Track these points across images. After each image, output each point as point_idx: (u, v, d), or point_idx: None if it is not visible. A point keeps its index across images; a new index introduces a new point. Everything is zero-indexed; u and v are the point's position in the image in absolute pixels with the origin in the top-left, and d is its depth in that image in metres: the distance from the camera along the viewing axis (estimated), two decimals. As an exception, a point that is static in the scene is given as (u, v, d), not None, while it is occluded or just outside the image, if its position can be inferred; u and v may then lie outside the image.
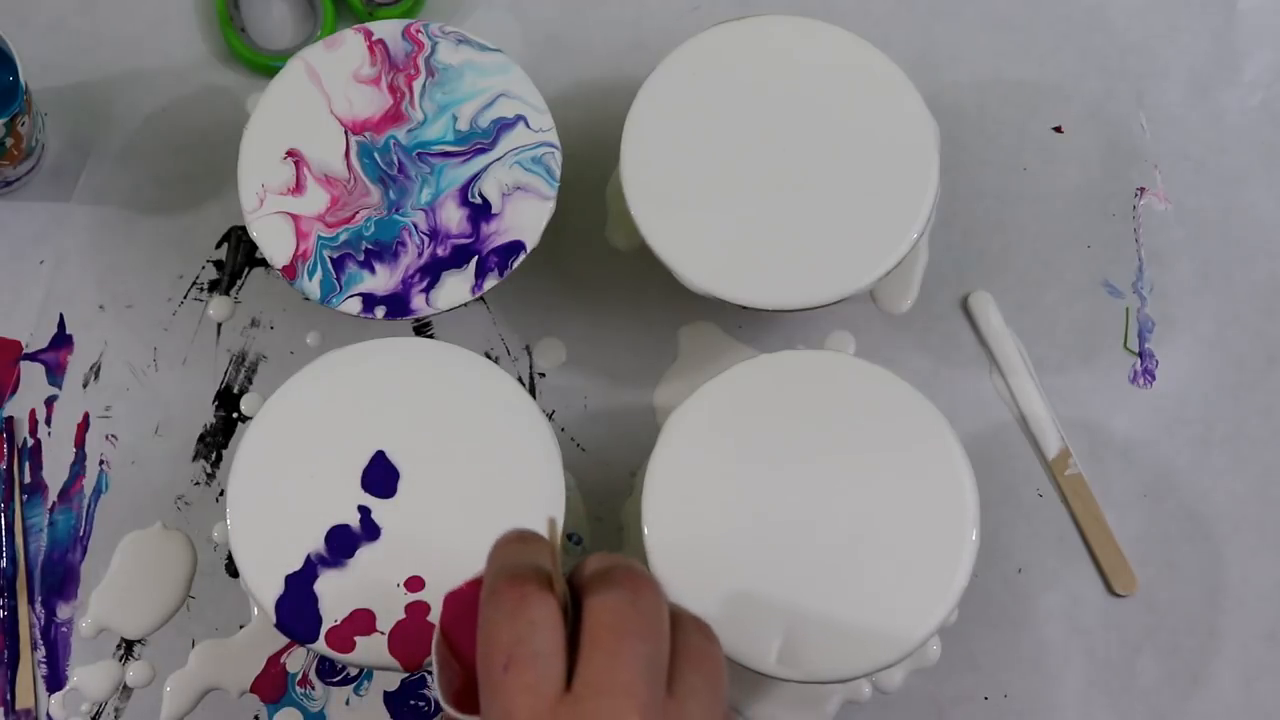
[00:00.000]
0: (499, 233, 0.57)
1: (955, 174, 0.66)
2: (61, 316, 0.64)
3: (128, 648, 0.61)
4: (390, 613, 0.53)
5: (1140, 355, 0.64)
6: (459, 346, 0.56)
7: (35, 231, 0.65)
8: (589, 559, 0.41)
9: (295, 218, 0.58)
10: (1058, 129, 0.67)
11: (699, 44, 0.59)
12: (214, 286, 0.65)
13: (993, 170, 0.66)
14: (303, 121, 0.59)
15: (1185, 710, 0.61)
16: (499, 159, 0.58)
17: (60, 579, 0.62)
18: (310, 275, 0.57)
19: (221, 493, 0.63)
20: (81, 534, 0.62)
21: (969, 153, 0.66)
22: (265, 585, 0.53)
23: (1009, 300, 0.64)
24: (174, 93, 0.67)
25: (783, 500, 0.54)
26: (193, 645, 0.61)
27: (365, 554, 0.53)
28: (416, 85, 0.59)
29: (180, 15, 0.68)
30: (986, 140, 0.66)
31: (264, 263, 0.65)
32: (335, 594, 0.53)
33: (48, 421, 0.63)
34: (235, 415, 0.63)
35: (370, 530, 0.53)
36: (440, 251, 0.57)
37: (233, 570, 0.62)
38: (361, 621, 0.53)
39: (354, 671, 0.61)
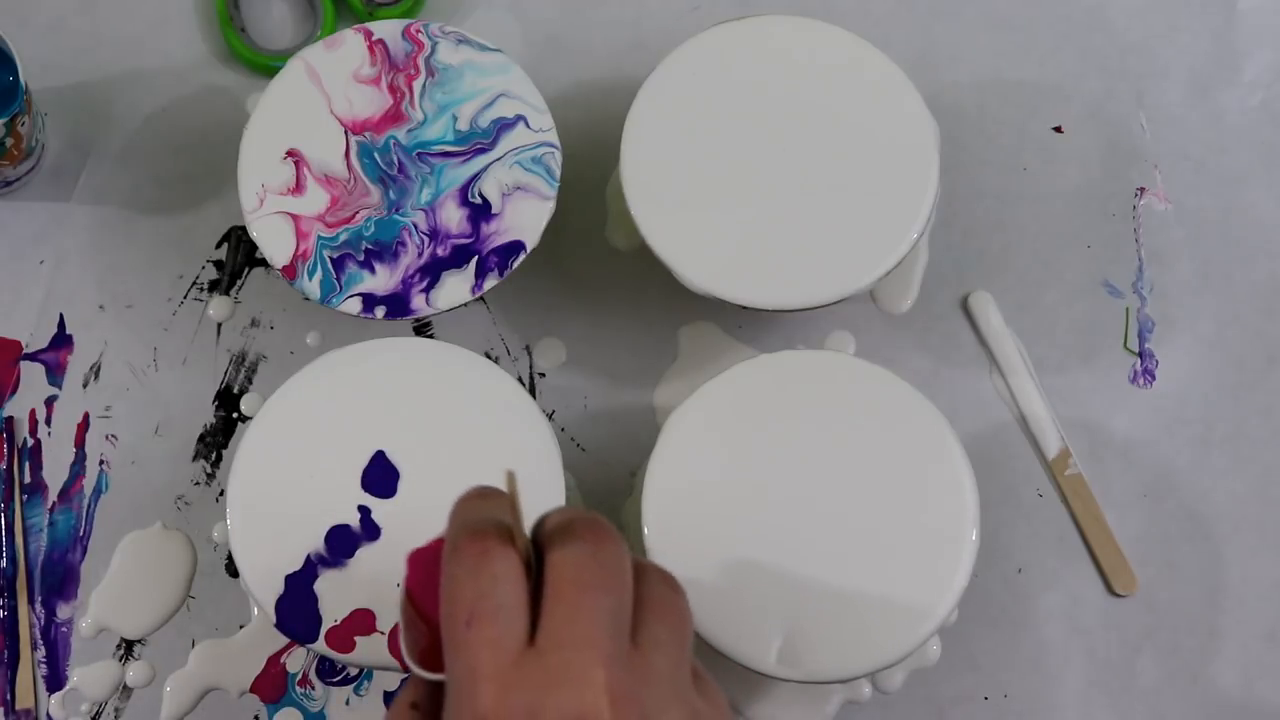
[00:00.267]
0: (499, 233, 0.57)
1: (955, 174, 0.66)
2: (61, 316, 0.64)
3: (128, 648, 0.61)
4: (390, 613, 0.53)
5: (1140, 355, 0.64)
6: (459, 346, 0.56)
7: (35, 231, 0.65)
8: (551, 513, 0.41)
9: (295, 218, 0.58)
10: (1058, 129, 0.67)
11: (699, 44, 0.59)
12: (214, 286, 0.65)
13: (993, 170, 0.66)
14: (303, 121, 0.59)
15: (1185, 710, 0.61)
16: (499, 159, 0.58)
17: (60, 579, 0.62)
18: (310, 275, 0.57)
19: (221, 493, 0.63)
20: (81, 534, 0.62)
21: (969, 153, 0.66)
22: (265, 585, 0.53)
23: (1009, 300, 0.64)
24: (174, 93, 0.67)
25: (782, 500, 0.54)
26: (193, 645, 0.61)
27: (365, 554, 0.53)
28: (416, 85, 0.59)
29: (180, 15, 0.68)
30: (986, 140, 0.66)
31: (264, 263, 0.65)
32: (335, 594, 0.53)
33: (48, 421, 0.63)
34: (235, 415, 0.63)
35: (370, 530, 0.53)
36: (440, 251, 0.57)
37: (233, 570, 0.62)
38: (361, 621, 0.53)
39: (354, 671, 0.61)
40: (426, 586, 0.41)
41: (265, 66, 0.66)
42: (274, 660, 0.61)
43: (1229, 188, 0.66)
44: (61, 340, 0.64)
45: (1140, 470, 0.63)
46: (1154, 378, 0.64)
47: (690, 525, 0.54)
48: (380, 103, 0.59)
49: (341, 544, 0.53)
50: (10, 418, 0.63)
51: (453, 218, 0.58)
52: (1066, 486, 0.63)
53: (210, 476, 0.63)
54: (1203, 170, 0.66)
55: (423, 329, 0.64)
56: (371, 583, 0.53)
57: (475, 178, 0.58)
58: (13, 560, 0.61)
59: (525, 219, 0.57)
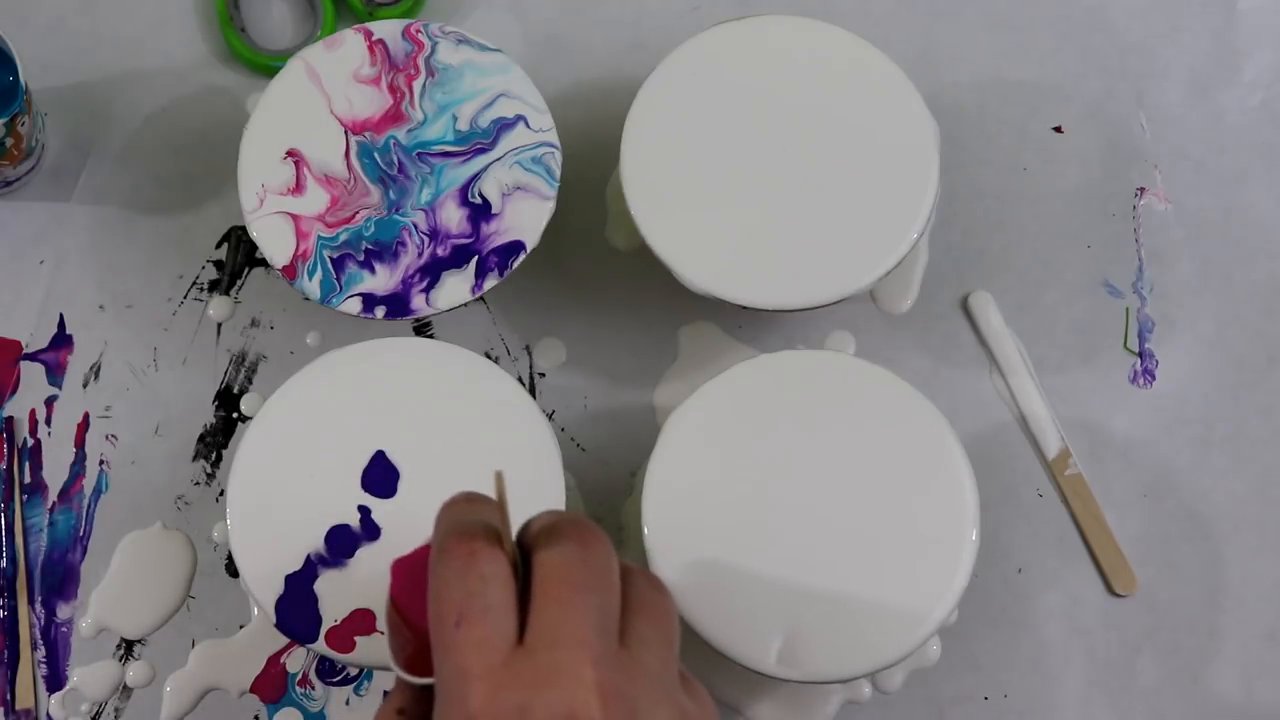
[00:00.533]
0: (499, 233, 0.57)
1: (955, 174, 0.66)
2: (61, 316, 0.64)
3: (128, 648, 0.61)
4: (390, 613, 0.53)
5: (1140, 355, 0.64)
6: (459, 346, 0.56)
7: (35, 231, 0.65)
8: (537, 517, 0.41)
9: (295, 218, 0.58)
10: (1058, 129, 0.67)
11: (699, 44, 0.59)
12: (214, 286, 0.65)
13: (993, 170, 0.66)
14: (303, 121, 0.59)
15: (1185, 710, 0.61)
16: (499, 159, 0.58)
17: (60, 579, 0.62)
18: (310, 275, 0.57)
19: (221, 493, 0.63)
20: (81, 534, 0.62)
21: (969, 153, 0.66)
22: (265, 585, 0.53)
23: (1009, 300, 0.64)
24: (174, 93, 0.67)
25: (782, 500, 0.54)
26: (193, 645, 0.61)
27: (365, 554, 0.53)
28: (416, 85, 0.59)
29: (180, 15, 0.68)
30: (986, 140, 0.66)
31: (264, 263, 0.65)
32: (335, 594, 0.53)
33: (48, 421, 0.63)
34: (235, 415, 0.63)
35: (370, 530, 0.53)
36: (440, 251, 0.57)
37: (233, 570, 0.62)
38: (362, 621, 0.53)
39: (354, 671, 0.61)
40: (412, 594, 0.41)
41: (265, 66, 0.66)
42: (274, 660, 0.61)
43: (1229, 188, 0.66)
44: (61, 340, 0.64)
45: (1140, 470, 0.63)
46: (1154, 378, 0.64)
47: (690, 525, 0.54)
48: (380, 103, 0.59)
49: (341, 544, 0.53)
50: (10, 418, 0.63)
51: (453, 218, 0.58)
52: (1066, 486, 0.63)
53: (210, 476, 0.63)
54: (1203, 170, 0.66)
55: (423, 329, 0.64)
56: (371, 583, 0.53)
57: (475, 178, 0.58)
58: (13, 560, 0.61)
59: (525, 219, 0.57)
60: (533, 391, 0.64)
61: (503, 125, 0.58)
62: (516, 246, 0.57)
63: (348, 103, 0.59)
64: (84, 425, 0.63)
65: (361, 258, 0.57)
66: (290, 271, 0.57)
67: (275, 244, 0.57)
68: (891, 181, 0.58)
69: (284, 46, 0.67)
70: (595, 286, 0.65)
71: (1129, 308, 0.65)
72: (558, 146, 0.58)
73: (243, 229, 0.65)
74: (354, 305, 0.57)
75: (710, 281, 0.57)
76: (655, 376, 0.64)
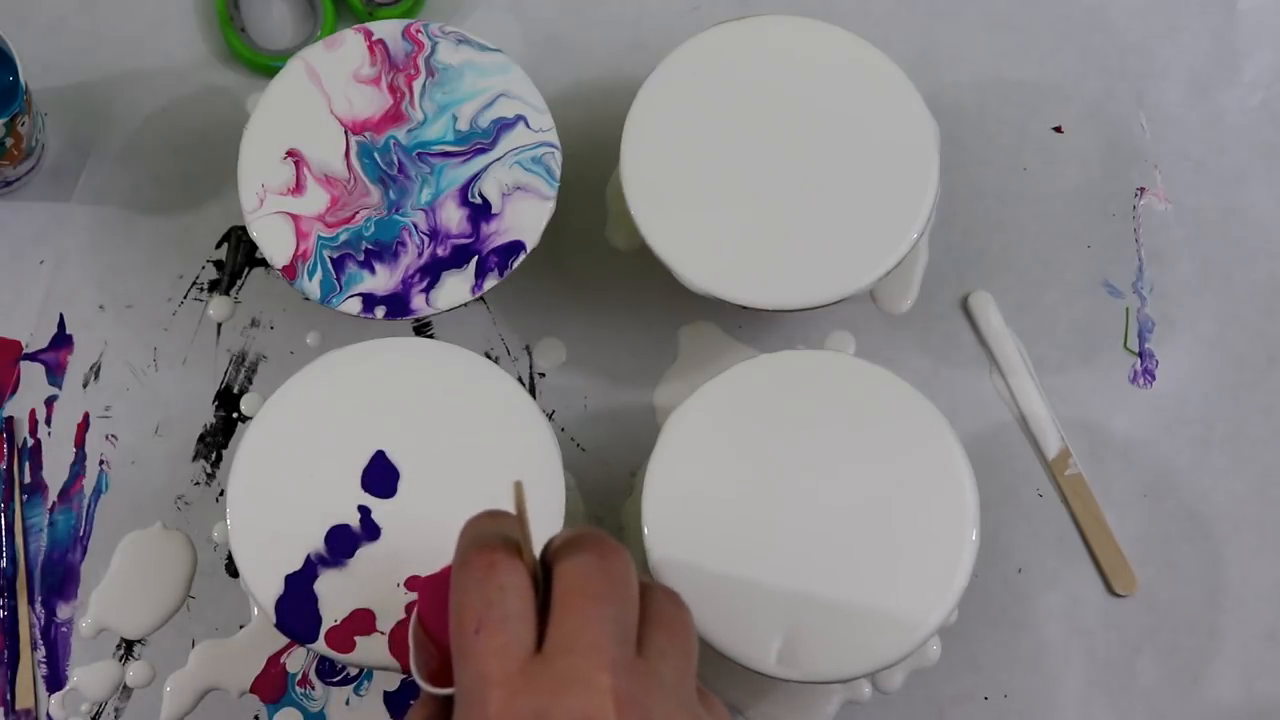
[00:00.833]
0: (499, 233, 0.57)
1: (955, 174, 0.66)
2: (61, 316, 0.64)
3: (128, 648, 0.61)
4: (390, 612, 0.53)
5: (1140, 355, 0.64)
6: (459, 346, 0.56)
7: (35, 231, 0.65)
8: (558, 534, 0.42)
9: (295, 218, 0.58)
10: (1058, 129, 0.67)
11: (699, 44, 0.59)
12: (214, 286, 0.65)
13: (993, 170, 0.66)
14: (303, 121, 0.59)
15: (1185, 710, 0.61)
16: (499, 159, 0.58)
17: (60, 579, 0.62)
18: (310, 275, 0.57)
19: (221, 493, 0.63)
20: (81, 534, 0.62)
21: (969, 153, 0.66)
22: (265, 585, 0.53)
23: (1009, 300, 0.64)
24: (174, 93, 0.67)
25: (782, 500, 0.54)
26: (193, 645, 0.61)
27: (365, 554, 0.53)
28: (416, 85, 0.59)
29: (180, 15, 0.68)
30: (986, 140, 0.66)
31: (264, 263, 0.65)
32: (335, 594, 0.53)
33: (48, 421, 0.63)
34: (235, 415, 0.63)
35: (370, 530, 0.53)
36: (440, 251, 0.57)
37: (233, 570, 0.62)
38: (362, 621, 0.53)
39: (354, 671, 0.61)
40: (438, 611, 0.42)
41: (265, 66, 0.66)
42: (274, 660, 0.61)
43: (1229, 188, 0.66)
44: (61, 340, 0.64)
45: (1140, 470, 0.63)
46: (1154, 378, 0.64)
47: (690, 525, 0.54)
48: (380, 103, 0.59)
49: (341, 544, 0.53)
50: (10, 418, 0.63)
51: (453, 218, 0.58)
52: (1066, 486, 0.63)
53: (210, 476, 0.63)
54: (1203, 170, 0.66)
55: (423, 329, 0.64)
56: (372, 583, 0.53)
57: (475, 178, 0.58)
58: (13, 560, 0.61)
59: (525, 219, 0.57)
60: (533, 391, 0.64)
61: (503, 125, 0.58)
62: (516, 246, 0.57)
63: (348, 103, 0.59)
64: (84, 425, 0.63)
65: (361, 258, 0.57)
66: (290, 271, 0.57)
67: (275, 244, 0.57)
68: (891, 181, 0.58)
69: (284, 46, 0.67)
70: (595, 286, 0.65)
71: (1129, 308, 0.65)
72: (558, 146, 0.58)
73: (243, 229, 0.65)
74: (354, 305, 0.57)
75: (710, 281, 0.57)
76: (655, 376, 0.64)
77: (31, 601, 0.61)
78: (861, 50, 0.59)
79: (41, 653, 0.61)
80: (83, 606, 0.61)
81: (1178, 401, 0.64)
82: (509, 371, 0.57)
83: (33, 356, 0.64)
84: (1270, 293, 0.65)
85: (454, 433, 0.55)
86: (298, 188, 0.58)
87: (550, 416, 0.63)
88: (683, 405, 0.55)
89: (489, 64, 0.59)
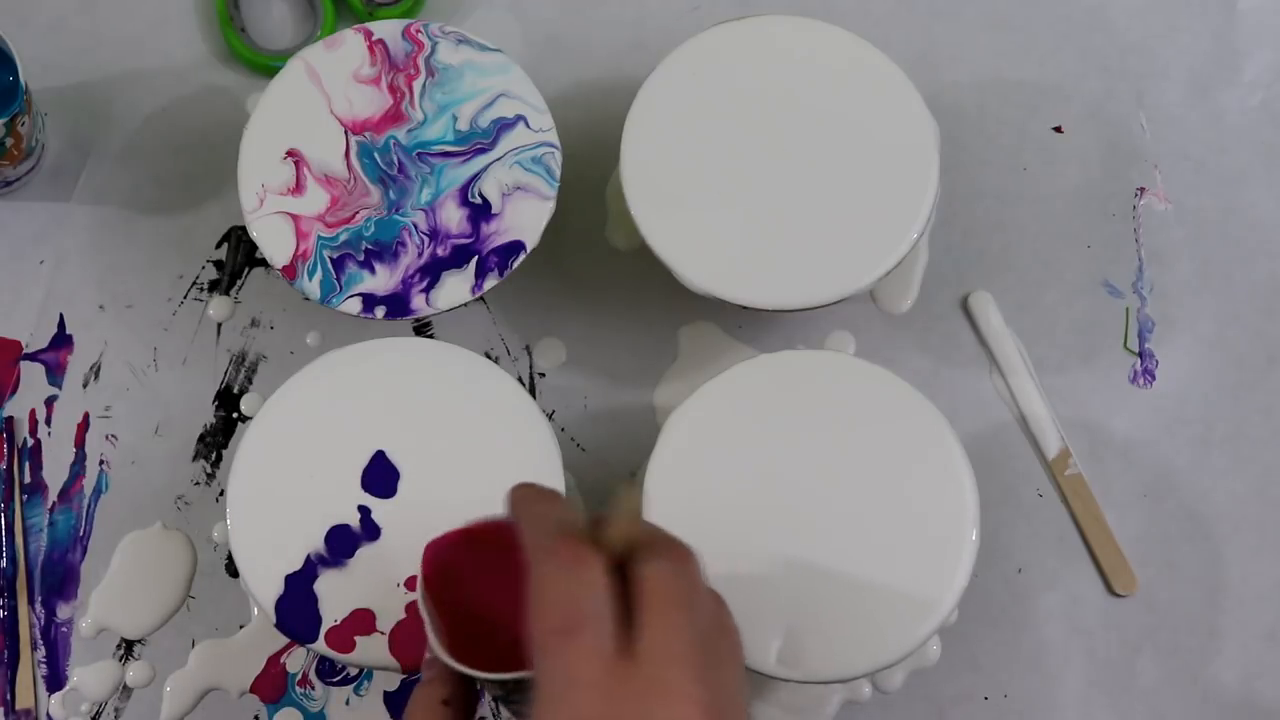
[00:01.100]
0: (499, 233, 0.57)
1: (955, 174, 0.66)
2: (61, 316, 0.64)
3: (128, 648, 0.61)
4: (390, 612, 0.53)
5: (1140, 355, 0.64)
6: (459, 346, 0.56)
7: (35, 231, 0.65)
8: (614, 524, 0.41)
9: (295, 218, 0.58)
10: (1058, 129, 0.67)
11: (699, 44, 0.59)
12: (214, 286, 0.65)
13: (993, 170, 0.66)
14: (303, 121, 0.59)
15: (1185, 710, 0.61)
16: (499, 159, 0.58)
17: (60, 579, 0.62)
18: (310, 275, 0.57)
19: (221, 493, 0.63)
20: (81, 534, 0.62)
21: (969, 153, 0.66)
22: (265, 585, 0.53)
23: (1009, 300, 0.64)
24: (174, 93, 0.67)
25: (782, 500, 0.54)
26: (193, 645, 0.61)
27: (365, 554, 0.53)
28: (416, 85, 0.59)
29: (180, 15, 0.68)
30: (986, 140, 0.66)
31: (264, 263, 0.65)
32: (335, 594, 0.53)
33: (48, 421, 0.63)
34: (235, 415, 0.63)
35: (370, 530, 0.53)
36: (440, 251, 0.57)
37: (233, 570, 0.62)
38: (362, 621, 0.53)
39: (354, 671, 0.61)
40: (446, 578, 0.42)
41: (265, 66, 0.66)
42: (274, 660, 0.61)
43: (1229, 188, 0.66)
44: (61, 340, 0.64)
45: (1140, 470, 0.63)
46: (1154, 378, 0.64)
47: (690, 525, 0.53)
48: (380, 103, 0.59)
49: (341, 544, 0.53)
50: (10, 418, 0.63)
51: (453, 218, 0.58)
52: (1066, 486, 0.63)
53: (210, 476, 0.63)
54: (1203, 170, 0.66)
55: (423, 329, 0.64)
56: (372, 582, 0.53)
57: (475, 178, 0.58)
58: (13, 560, 0.61)
59: (525, 219, 0.57)
60: (533, 391, 0.64)
61: (503, 125, 0.58)
62: (516, 246, 0.57)
63: (348, 103, 0.59)
64: (84, 425, 0.63)
65: (361, 258, 0.57)
66: (290, 271, 0.57)
67: (275, 244, 0.57)
68: (891, 181, 0.58)
69: (284, 46, 0.67)
70: (595, 286, 0.65)
71: (1129, 308, 0.65)
72: (558, 146, 0.58)
73: (243, 229, 0.65)
74: (354, 305, 0.57)
75: (710, 281, 0.57)
76: (655, 376, 0.64)
77: (31, 601, 0.61)
78: (861, 50, 0.59)
79: (41, 653, 0.61)
80: (83, 606, 0.61)
81: (1178, 401, 0.64)
82: (509, 371, 0.57)
83: (33, 356, 0.64)
84: (1270, 293, 0.65)
85: (454, 433, 0.55)
86: (298, 188, 0.58)
87: (550, 416, 0.63)
88: (683, 405, 0.55)
89: (489, 64, 0.59)
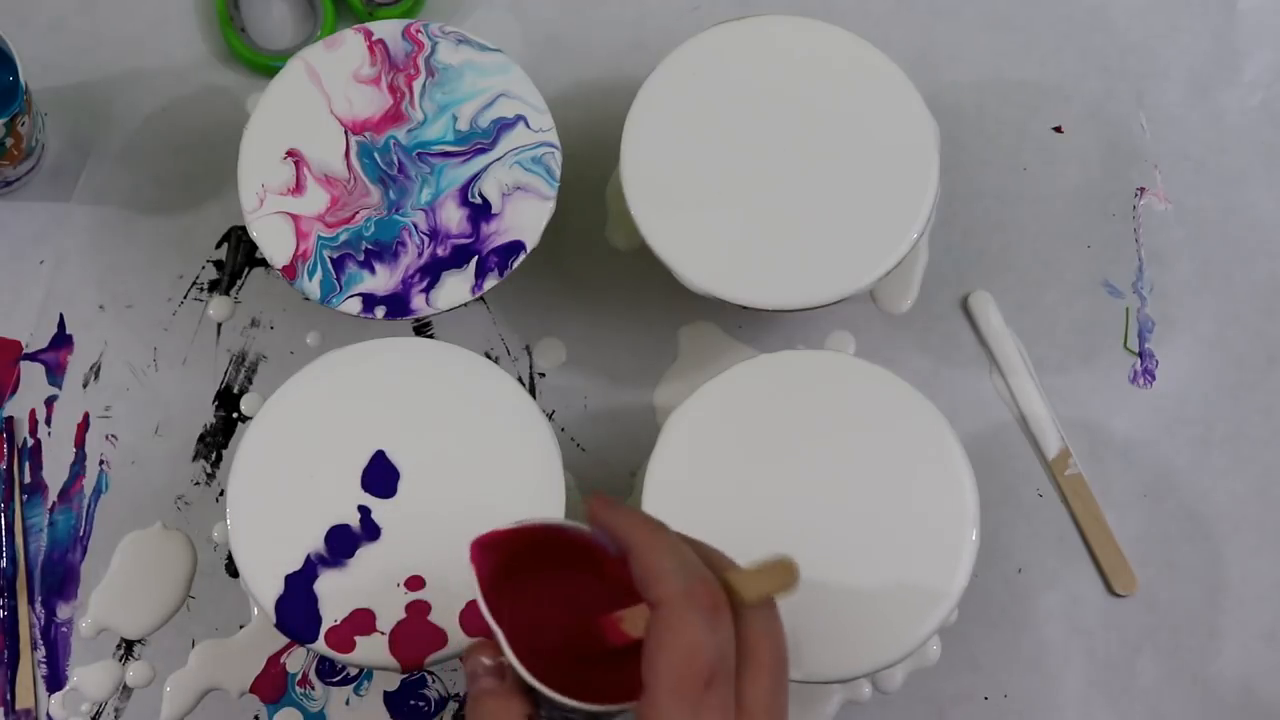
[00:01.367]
0: (499, 233, 0.57)
1: (955, 174, 0.66)
2: (61, 316, 0.64)
3: (128, 648, 0.61)
4: (391, 612, 0.53)
5: (1140, 355, 0.64)
6: (459, 346, 0.56)
7: (35, 231, 0.65)
8: (746, 576, 0.42)
9: (295, 218, 0.58)
10: (1058, 129, 0.67)
11: (699, 44, 0.59)
12: (214, 286, 0.65)
13: (993, 170, 0.66)
14: (303, 121, 0.59)
15: (1185, 710, 0.61)
16: (499, 159, 0.58)
17: (60, 579, 0.62)
18: (310, 275, 0.57)
19: (221, 493, 0.62)
20: (81, 534, 0.62)
21: (969, 153, 0.66)
22: (265, 585, 0.53)
23: (1009, 300, 0.64)
24: (174, 93, 0.67)
25: (782, 500, 0.54)
26: (193, 645, 0.61)
27: (365, 554, 0.53)
28: (416, 85, 0.59)
29: (180, 15, 0.68)
30: (986, 140, 0.66)
31: (264, 263, 0.65)
32: (335, 594, 0.53)
33: (48, 421, 0.63)
34: (235, 415, 0.63)
35: (370, 530, 0.53)
36: (440, 251, 0.57)
37: (233, 570, 0.62)
38: (362, 621, 0.53)
39: (354, 671, 0.61)
40: (496, 582, 0.42)
41: (265, 66, 0.66)
42: (274, 660, 0.61)
43: (1229, 188, 0.66)
44: (61, 340, 0.64)
45: (1140, 470, 0.63)
46: (1154, 378, 0.64)
47: (690, 525, 0.53)
48: (380, 103, 0.59)
49: (341, 544, 0.53)
50: (10, 418, 0.63)
51: (453, 218, 0.58)
52: (1066, 486, 0.63)
53: (210, 476, 0.63)
54: (1203, 170, 0.66)
55: (423, 329, 0.64)
56: (372, 583, 0.53)
57: (475, 178, 0.58)
58: (13, 560, 0.61)
59: (525, 219, 0.57)
60: (533, 391, 0.64)
61: (503, 125, 0.58)
62: (516, 246, 0.57)
63: (348, 103, 0.59)
64: (84, 425, 0.63)
65: (361, 258, 0.57)
66: (290, 271, 0.57)
67: (275, 244, 0.57)
68: (891, 181, 0.58)
69: (284, 46, 0.67)
70: (595, 286, 0.65)
71: (1129, 308, 0.65)
72: (558, 146, 0.58)
73: (243, 229, 0.65)
74: (354, 305, 0.57)
75: (710, 281, 0.57)
76: (655, 376, 0.64)
77: (31, 601, 0.61)
78: (861, 50, 0.59)
79: (41, 653, 0.61)
80: (83, 606, 0.61)
81: (1178, 401, 0.64)
82: (509, 371, 0.57)
83: (33, 356, 0.64)
84: (1270, 293, 0.65)
85: (454, 433, 0.55)
86: (298, 188, 0.58)
87: (550, 416, 0.63)
88: (683, 405, 0.55)
89: (489, 64, 0.59)
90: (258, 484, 0.54)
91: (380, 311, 0.57)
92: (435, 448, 0.54)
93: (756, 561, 0.41)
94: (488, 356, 0.60)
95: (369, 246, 0.57)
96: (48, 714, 0.60)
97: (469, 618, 0.52)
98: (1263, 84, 0.67)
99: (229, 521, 0.54)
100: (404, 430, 0.54)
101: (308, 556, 0.53)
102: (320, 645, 0.52)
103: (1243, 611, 0.62)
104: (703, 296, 0.57)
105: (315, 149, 0.58)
